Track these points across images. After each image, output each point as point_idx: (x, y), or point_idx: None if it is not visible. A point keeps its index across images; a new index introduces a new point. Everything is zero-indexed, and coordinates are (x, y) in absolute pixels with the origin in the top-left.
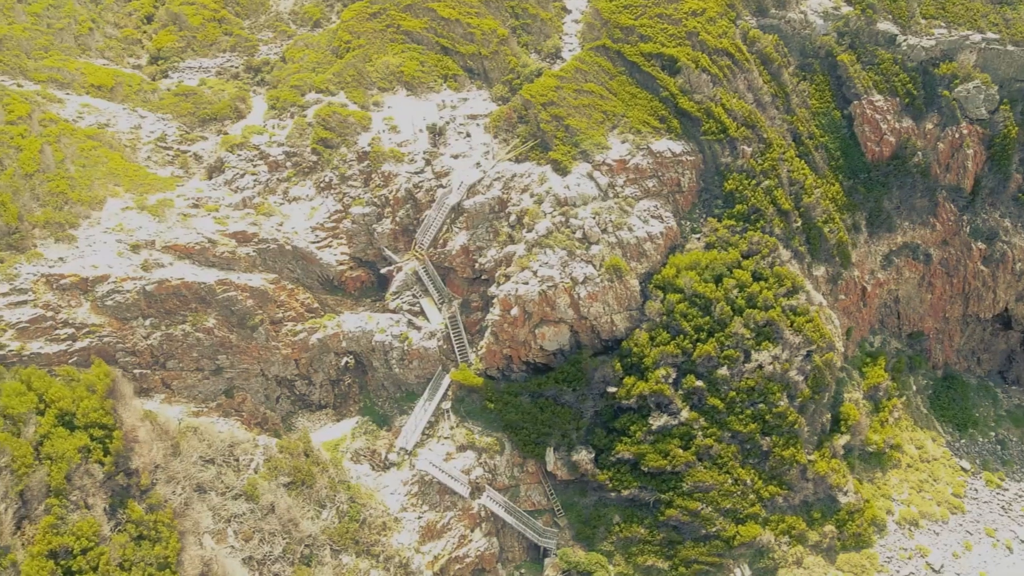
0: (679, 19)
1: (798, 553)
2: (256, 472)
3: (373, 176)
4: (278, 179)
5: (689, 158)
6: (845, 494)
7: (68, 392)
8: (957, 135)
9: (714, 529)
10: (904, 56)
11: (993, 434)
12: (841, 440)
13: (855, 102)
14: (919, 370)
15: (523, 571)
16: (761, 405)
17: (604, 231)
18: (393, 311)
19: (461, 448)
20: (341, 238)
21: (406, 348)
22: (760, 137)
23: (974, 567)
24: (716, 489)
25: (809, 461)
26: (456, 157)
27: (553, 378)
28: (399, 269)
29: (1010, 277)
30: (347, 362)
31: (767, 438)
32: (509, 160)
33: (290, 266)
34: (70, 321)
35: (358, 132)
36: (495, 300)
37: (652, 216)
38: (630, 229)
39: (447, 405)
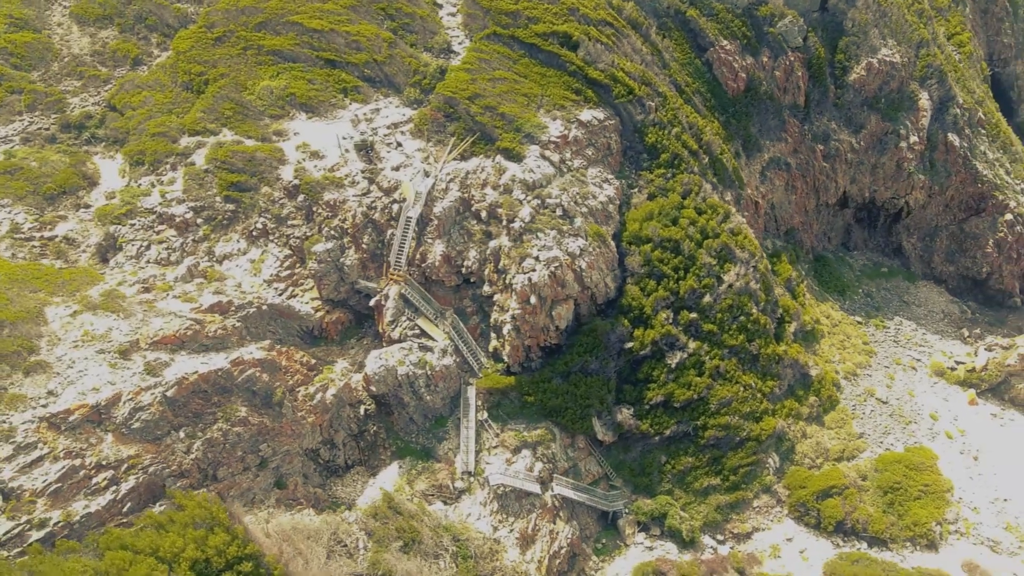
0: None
1: (801, 428)
2: (367, 549)
3: (316, 209)
4: (194, 240)
5: (610, 122)
6: (812, 369)
7: (180, 539)
8: (787, 63)
9: (744, 434)
10: (733, 4)
11: (861, 290)
12: (791, 327)
13: (710, 49)
14: (800, 258)
15: (604, 541)
16: (741, 318)
17: (576, 203)
18: (399, 340)
19: (516, 450)
20: (304, 284)
21: (429, 373)
22: (657, 92)
23: (903, 390)
24: (734, 400)
25: (784, 351)
26: (397, 169)
27: (576, 352)
28: (386, 297)
29: (844, 166)
30: (366, 409)
31: (753, 343)
32: (455, 160)
33: (271, 327)
34: (104, 463)
35: (274, 167)
36: (510, 294)
37: (603, 181)
38: (594, 197)
39: (483, 416)
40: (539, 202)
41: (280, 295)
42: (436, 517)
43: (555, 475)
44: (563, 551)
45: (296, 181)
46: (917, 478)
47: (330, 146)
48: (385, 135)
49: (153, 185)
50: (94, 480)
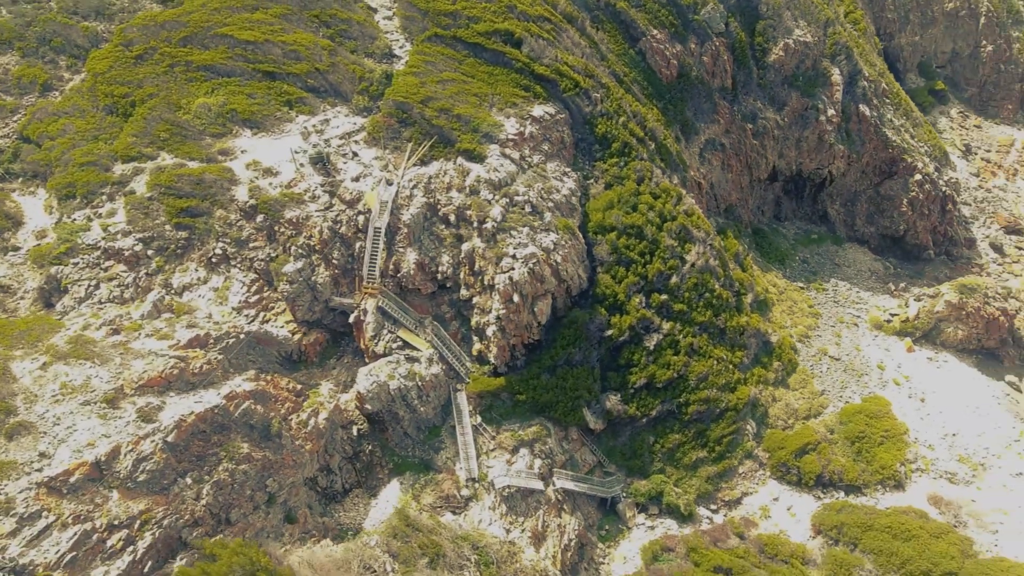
0: None
1: (771, 393)
2: (394, 571)
3: (278, 228)
4: (147, 274)
5: (561, 116)
6: (772, 336)
7: None
8: (713, 48)
9: (723, 405)
10: None
11: (798, 257)
12: (748, 299)
13: (642, 39)
14: (742, 233)
15: (607, 527)
16: (706, 294)
17: (543, 199)
18: (384, 355)
19: (514, 450)
20: (275, 307)
21: (420, 384)
22: (600, 84)
23: (851, 346)
24: (710, 373)
25: (746, 322)
26: (357, 179)
27: (560, 345)
28: (364, 312)
29: (772, 142)
30: (359, 430)
31: (719, 318)
32: (415, 165)
33: (250, 356)
34: (115, 523)
35: (226, 188)
36: (490, 295)
37: (562, 174)
38: (557, 191)
39: (477, 420)
40: (508, 200)
41: (252, 322)
42: (452, 528)
43: (554, 469)
44: (573, 543)
45: (252, 201)
46: (877, 425)
47: (283, 162)
48: (339, 146)
49: (90, 219)
50: (108, 543)
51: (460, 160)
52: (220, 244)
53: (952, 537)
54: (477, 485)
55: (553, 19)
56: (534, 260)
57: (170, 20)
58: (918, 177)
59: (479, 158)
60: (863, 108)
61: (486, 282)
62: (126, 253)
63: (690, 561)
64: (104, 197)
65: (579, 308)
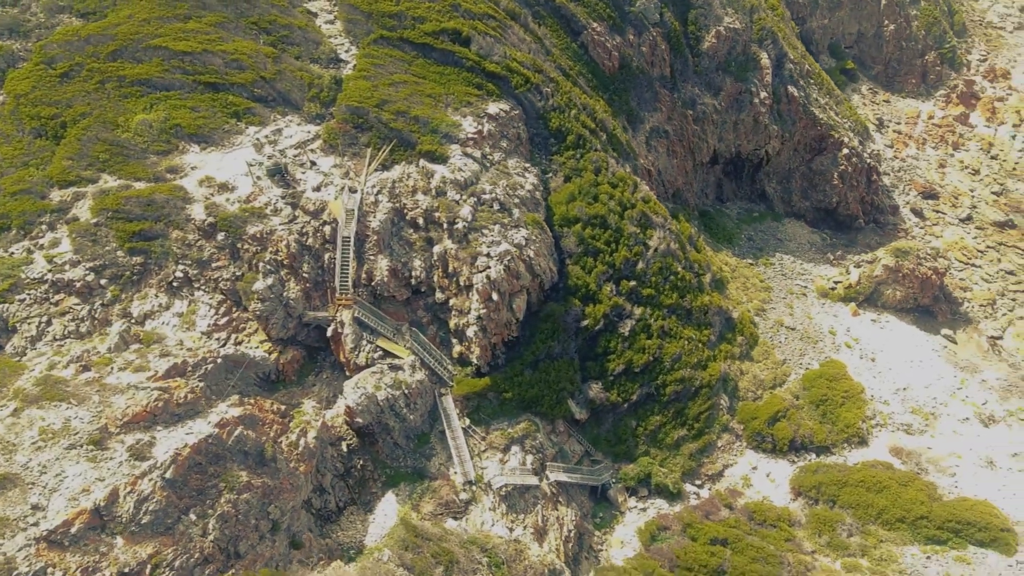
0: None
1: (738, 367)
2: None
3: (241, 245)
4: (103, 305)
5: (515, 112)
6: (733, 312)
7: None
8: (651, 38)
9: (697, 383)
10: None
11: (744, 236)
12: (707, 278)
13: (583, 32)
14: (690, 216)
15: (600, 514)
16: (671, 277)
17: (509, 195)
18: (366, 365)
19: (505, 448)
20: (246, 328)
21: (407, 392)
22: (549, 78)
23: (803, 315)
24: (683, 354)
25: (709, 301)
26: (319, 189)
27: (539, 340)
28: (341, 324)
29: (712, 127)
30: (349, 445)
31: (685, 299)
32: (377, 170)
33: (229, 380)
34: (125, 570)
35: (180, 207)
36: (468, 296)
37: (523, 170)
38: (521, 187)
39: (465, 422)
40: (476, 200)
41: (225, 345)
42: (458, 533)
43: (546, 463)
44: (572, 534)
45: (210, 219)
46: (837, 387)
47: (238, 176)
48: (296, 156)
49: (31, 251)
50: None
51: (422, 162)
52: (180, 267)
53: (918, 484)
54: (474, 487)
55: (497, 16)
56: (509, 257)
57: (95, 34)
58: (845, 151)
59: (442, 159)
60: (792, 89)
61: (462, 283)
62: (77, 284)
63: (687, 536)
64: (44, 227)
65: (552, 301)
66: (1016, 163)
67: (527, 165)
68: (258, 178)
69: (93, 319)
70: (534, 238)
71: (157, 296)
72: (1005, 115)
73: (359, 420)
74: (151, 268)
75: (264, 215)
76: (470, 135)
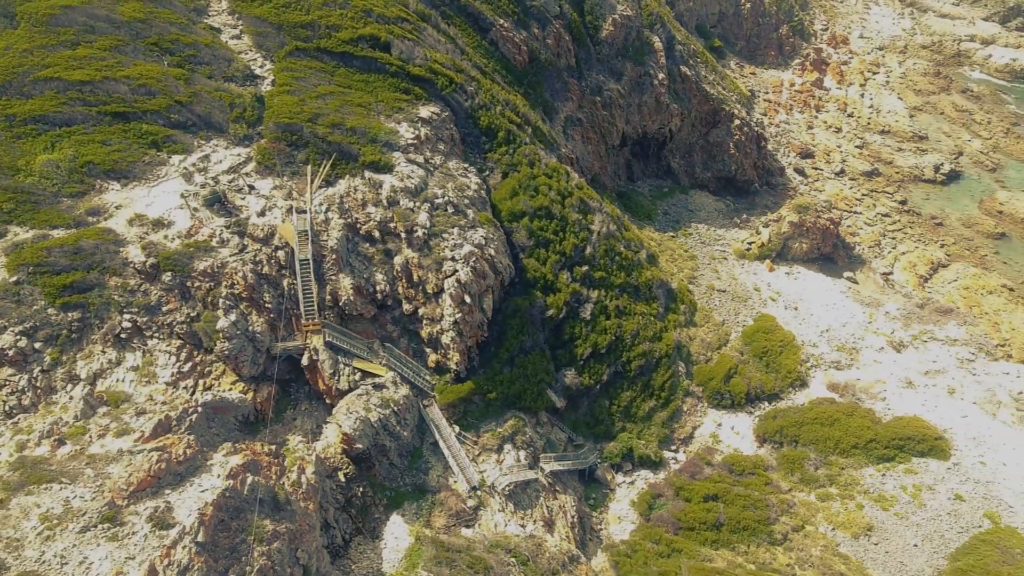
0: (346, 2)
1: (686, 333)
2: None
3: (191, 283)
4: (42, 371)
5: (444, 113)
6: (672, 283)
7: None
8: (555, 31)
9: (657, 354)
10: None
11: (660, 211)
12: (643, 254)
13: (491, 29)
14: (611, 198)
15: (593, 495)
16: (616, 258)
17: (459, 197)
18: (349, 389)
19: (498, 449)
20: (212, 371)
21: (396, 409)
22: (470, 77)
23: (728, 277)
24: (640, 329)
25: (651, 276)
26: (263, 214)
27: (511, 336)
28: (315, 351)
29: (619, 111)
30: (346, 474)
31: (631, 276)
32: (320, 187)
33: (212, 429)
34: None
35: (114, 251)
36: (437, 304)
37: (465, 171)
38: (468, 187)
39: (456, 429)
40: (430, 205)
41: (194, 392)
42: (480, 540)
43: (538, 456)
44: (575, 519)
45: (151, 259)
46: (773, 338)
47: (172, 209)
48: (231, 181)
49: None
50: None
51: (368, 173)
52: (126, 316)
53: (860, 412)
54: (479, 492)
55: (410, 19)
56: (474, 258)
57: None
58: (737, 122)
59: (387, 168)
60: (684, 69)
61: (429, 291)
62: (9, 353)
63: (681, 499)
64: None
65: (512, 297)
66: (869, 119)
67: (466, 166)
68: (195, 209)
69: (35, 388)
70: (492, 236)
71: (104, 352)
72: (852, 77)
73: (359, 446)
74: (91, 323)
75: (211, 248)
76: (410, 141)
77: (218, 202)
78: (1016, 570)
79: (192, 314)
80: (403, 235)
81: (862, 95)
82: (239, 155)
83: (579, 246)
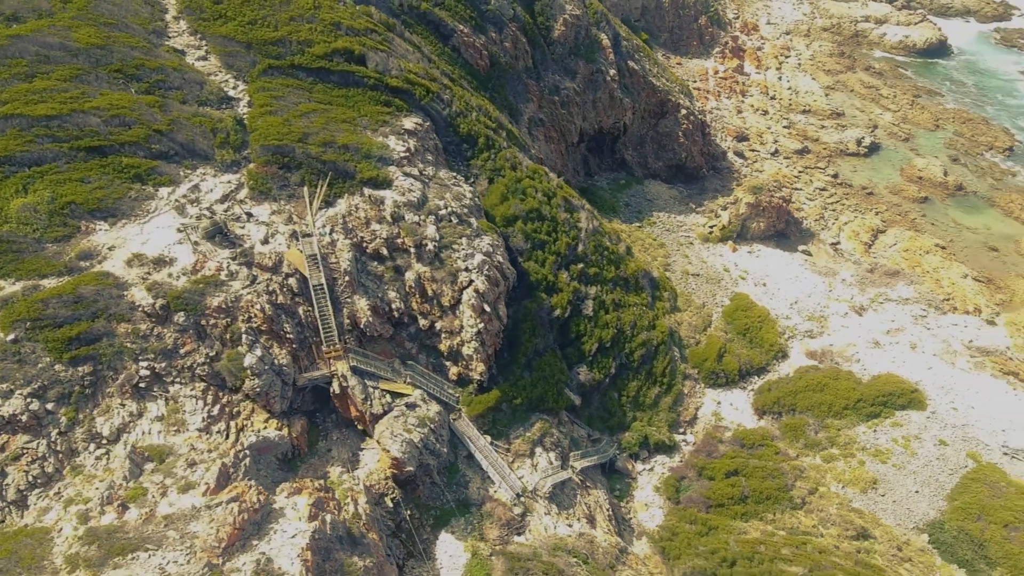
0: (313, 16)
1: (675, 319)
2: None
3: (206, 322)
4: (60, 433)
5: (426, 123)
6: (653, 272)
7: None
8: (511, 34)
9: (655, 342)
10: None
11: (622, 203)
12: (622, 246)
13: (453, 36)
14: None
15: (617, 487)
16: (605, 252)
17: (460, 207)
18: (384, 413)
19: (530, 453)
20: (241, 411)
21: (433, 427)
22: (444, 85)
23: (699, 260)
24: (637, 319)
25: (635, 267)
26: (267, 241)
27: (525, 340)
28: (344, 378)
29: (576, 108)
30: (393, 499)
31: (620, 269)
32: (321, 208)
33: (262, 471)
34: None
35: (117, 296)
36: (454, 317)
37: (455, 179)
38: (464, 196)
39: (488, 439)
40: (435, 217)
41: (227, 436)
42: (539, 545)
43: (566, 455)
44: (610, 512)
45: (160, 300)
46: (751, 315)
47: (171, 245)
48: (227, 210)
49: None
50: None
51: (367, 190)
52: (142, 363)
53: (842, 375)
54: (523, 499)
55: (378, 30)
56: (487, 266)
57: None
58: (683, 112)
59: (385, 183)
60: (631, 63)
61: (445, 304)
62: (22, 419)
63: (704, 478)
64: None
65: (515, 301)
66: (790, 100)
67: (455, 175)
68: (196, 243)
69: (56, 454)
70: (497, 243)
71: (124, 405)
72: (767, 61)
73: (409, 468)
74: (104, 375)
75: (221, 282)
76: (402, 154)
77: (219, 233)
78: (1007, 502)
79: (211, 354)
80: (412, 250)
81: (779, 78)
82: (230, 182)
83: (571, 244)
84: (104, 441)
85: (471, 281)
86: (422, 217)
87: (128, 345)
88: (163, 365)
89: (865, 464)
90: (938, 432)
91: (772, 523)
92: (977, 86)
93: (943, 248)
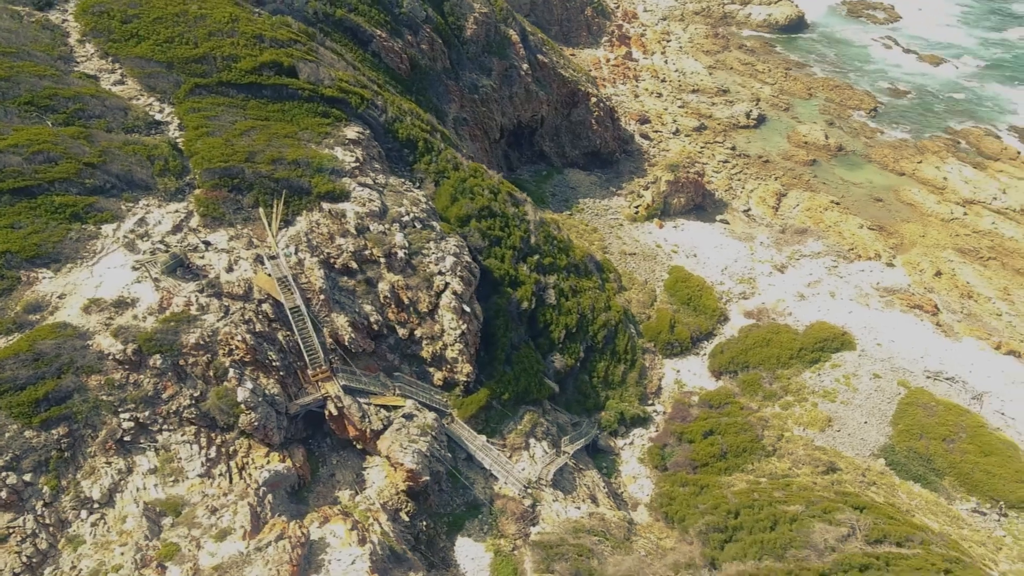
0: (233, 30)
1: (625, 297)
2: None
3: (185, 362)
4: (45, 504)
5: (366, 131)
6: (597, 256)
7: None
8: (427, 36)
9: (613, 323)
10: None
11: (548, 194)
12: (564, 233)
13: (372, 41)
14: None
15: (603, 465)
16: (553, 241)
17: (420, 212)
18: (386, 427)
19: (525, 446)
20: (238, 449)
21: (435, 434)
22: (375, 91)
23: (632, 241)
24: (595, 303)
25: (581, 252)
26: (231, 269)
27: (501, 336)
28: (338, 399)
29: (495, 105)
30: (408, 512)
31: (569, 256)
32: (280, 228)
33: (279, 506)
34: None
35: (82, 346)
36: (433, 322)
37: (408, 185)
38: (419, 200)
39: (483, 439)
40: (399, 224)
41: (229, 475)
42: (561, 531)
43: (556, 441)
44: (606, 489)
45: (130, 345)
46: (691, 285)
47: (130, 285)
48: (181, 241)
49: None
50: None
51: (325, 205)
52: (123, 416)
53: (781, 329)
54: (531, 490)
55: (301, 40)
56: (459, 268)
57: None
58: (593, 100)
59: (343, 196)
60: (541, 57)
61: (422, 310)
62: (1, 496)
63: (684, 442)
64: None
65: (479, 298)
66: (679, 81)
67: (403, 180)
68: (157, 280)
69: (45, 527)
70: (461, 243)
71: (110, 463)
72: (652, 46)
73: (425, 478)
74: (83, 434)
75: (193, 317)
76: (353, 164)
77: (180, 266)
78: (940, 418)
79: (195, 394)
80: (382, 260)
81: (665, 62)
82: (178, 211)
83: (524, 237)
84: (96, 505)
85: (447, 284)
86: (387, 226)
87: (104, 398)
88: (146, 414)
89: (818, 406)
90: (871, 367)
91: (752, 472)
92: (837, 55)
93: (837, 204)
